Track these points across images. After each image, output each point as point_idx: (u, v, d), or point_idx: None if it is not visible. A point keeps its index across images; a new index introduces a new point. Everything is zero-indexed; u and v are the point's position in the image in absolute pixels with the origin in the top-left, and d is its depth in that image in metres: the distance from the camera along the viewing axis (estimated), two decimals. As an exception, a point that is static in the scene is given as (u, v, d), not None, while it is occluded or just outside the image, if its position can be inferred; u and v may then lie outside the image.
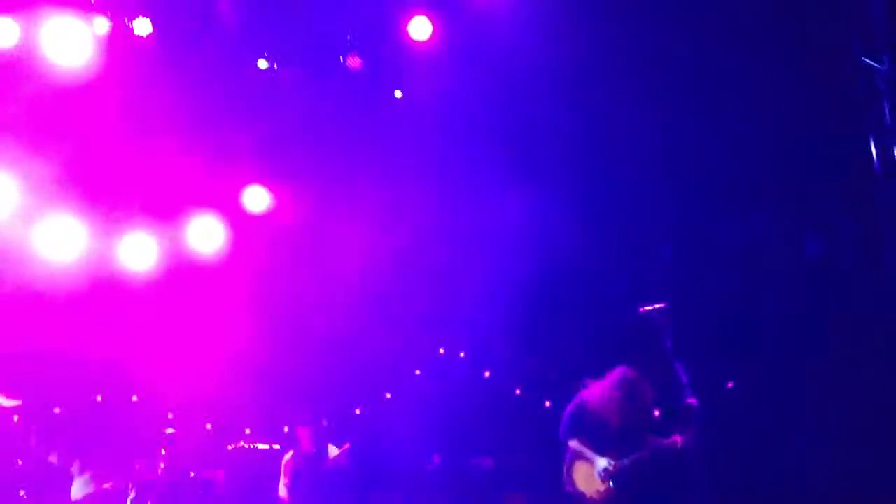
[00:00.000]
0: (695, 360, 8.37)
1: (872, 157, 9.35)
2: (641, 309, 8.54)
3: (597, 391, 8.48)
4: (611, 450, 8.30)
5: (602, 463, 8.26)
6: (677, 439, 8.20)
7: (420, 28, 11.43)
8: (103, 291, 11.66)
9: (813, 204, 10.52)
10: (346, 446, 10.70)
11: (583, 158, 11.47)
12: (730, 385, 8.33)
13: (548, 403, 12.06)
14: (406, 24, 11.47)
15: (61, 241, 11.39)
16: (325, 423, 11.81)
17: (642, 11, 10.64)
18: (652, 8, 10.57)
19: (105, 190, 11.60)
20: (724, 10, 10.22)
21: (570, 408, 8.55)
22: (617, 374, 8.41)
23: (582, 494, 8.27)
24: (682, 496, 10.00)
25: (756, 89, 10.25)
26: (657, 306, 8.43)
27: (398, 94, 11.98)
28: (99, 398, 12.16)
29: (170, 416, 12.04)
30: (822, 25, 9.82)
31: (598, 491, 8.19)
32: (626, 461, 8.21)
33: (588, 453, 8.33)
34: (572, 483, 8.35)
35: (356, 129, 11.98)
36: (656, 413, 8.54)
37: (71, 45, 10.89)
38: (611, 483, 8.20)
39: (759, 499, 10.01)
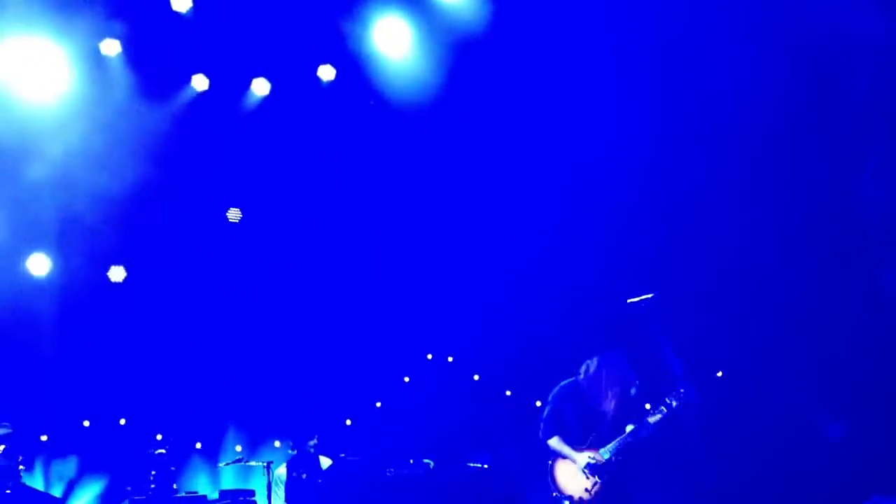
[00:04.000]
0: (684, 349, 8.34)
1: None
2: (629, 300, 8.50)
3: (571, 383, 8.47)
4: (592, 438, 8.21)
5: (583, 459, 8.18)
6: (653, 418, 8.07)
7: (392, 36, 11.52)
8: (87, 314, 11.61)
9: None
10: (340, 457, 10.70)
11: (563, 161, 11.54)
12: (719, 374, 8.25)
13: (538, 403, 12.11)
14: (378, 34, 11.55)
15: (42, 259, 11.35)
16: (315, 435, 11.86)
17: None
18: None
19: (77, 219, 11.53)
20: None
21: (546, 406, 8.50)
22: (592, 361, 8.43)
23: (570, 496, 8.15)
24: (672, 475, 10.11)
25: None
26: (645, 297, 8.41)
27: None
28: (86, 423, 12.07)
29: (159, 436, 11.98)
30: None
31: (585, 489, 8.07)
32: (608, 451, 8.13)
33: (567, 451, 8.25)
34: (557, 486, 8.24)
35: (330, 139, 11.98)
36: (634, 392, 8.36)
37: (40, 68, 10.86)
38: (597, 477, 8.12)
39: (747, 480, 10.14)
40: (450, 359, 12.33)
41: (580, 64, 11.10)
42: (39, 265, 11.46)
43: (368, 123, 11.95)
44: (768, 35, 10.11)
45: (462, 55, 11.36)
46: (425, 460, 11.29)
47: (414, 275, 12.05)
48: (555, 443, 8.33)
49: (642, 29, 10.85)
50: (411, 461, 11.23)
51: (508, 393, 12.27)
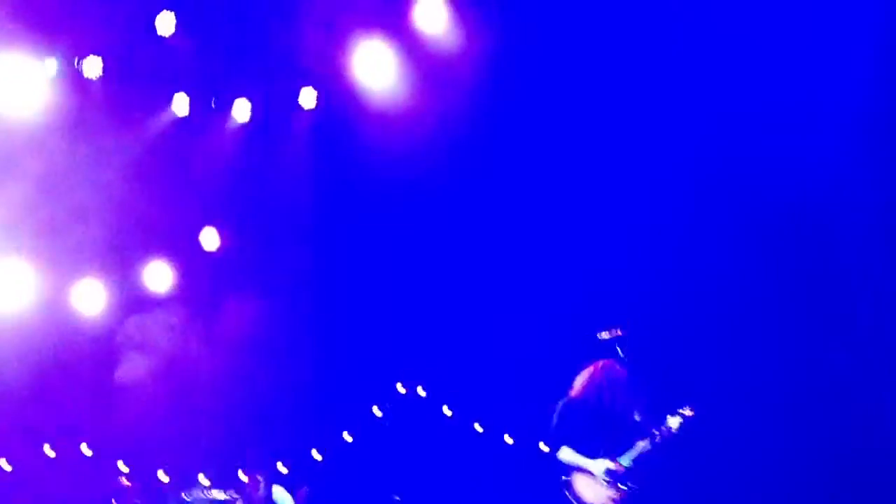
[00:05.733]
0: (652, 386, 8.22)
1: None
2: (599, 335, 8.36)
3: (574, 390, 8.34)
4: (605, 448, 8.03)
5: (602, 466, 7.96)
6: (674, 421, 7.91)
7: (373, 63, 11.48)
8: (53, 338, 11.43)
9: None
10: (304, 490, 10.50)
11: (545, 193, 11.48)
12: (689, 413, 8.05)
13: (510, 440, 11.92)
14: (360, 60, 11.51)
15: (11, 287, 11.18)
16: (283, 467, 11.66)
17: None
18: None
19: (57, 235, 11.38)
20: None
21: (553, 419, 8.29)
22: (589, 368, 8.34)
23: None
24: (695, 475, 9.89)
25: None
26: (615, 332, 8.25)
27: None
28: (49, 450, 11.85)
29: (123, 466, 11.77)
30: None
31: (609, 497, 7.86)
32: (627, 456, 7.93)
33: (581, 460, 8.02)
34: (581, 500, 7.95)
35: (311, 165, 11.90)
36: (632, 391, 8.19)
37: (20, 86, 10.79)
38: (619, 484, 7.91)
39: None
40: (421, 391, 12.16)
41: (563, 96, 11.07)
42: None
43: (350, 150, 11.88)
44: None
45: (445, 82, 11.33)
46: (395, 497, 11.13)
47: (389, 307, 11.88)
48: (567, 454, 8.13)
49: (627, 62, 10.85)
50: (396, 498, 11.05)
51: (479, 429, 12.08)
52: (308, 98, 11.83)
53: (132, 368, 11.68)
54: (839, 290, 10.50)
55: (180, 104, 11.69)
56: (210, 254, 12.13)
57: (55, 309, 11.49)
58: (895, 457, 9.93)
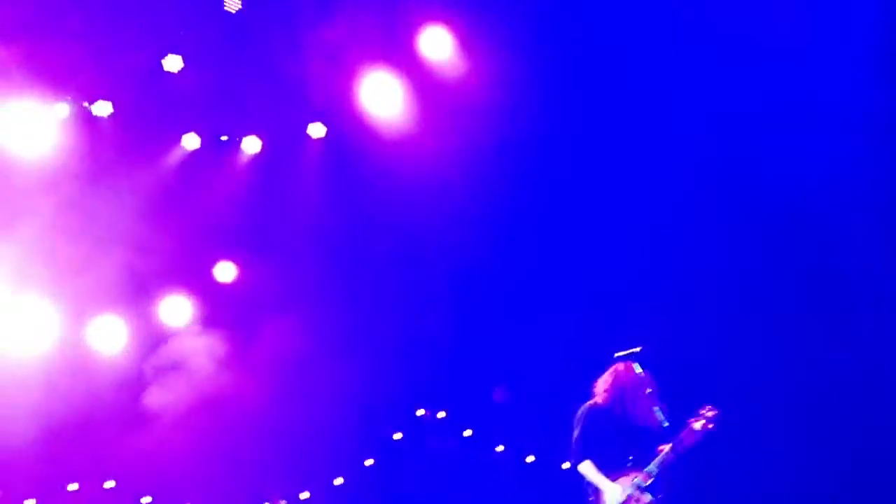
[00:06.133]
0: (673, 403, 8.27)
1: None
2: (616, 354, 8.42)
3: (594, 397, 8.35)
4: (632, 459, 7.99)
5: (628, 482, 7.90)
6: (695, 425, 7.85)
7: (380, 93, 11.62)
8: (74, 374, 11.51)
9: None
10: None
11: (550, 218, 11.64)
12: (710, 426, 8.10)
13: (531, 458, 12.01)
14: (367, 90, 11.65)
15: (31, 325, 11.29)
16: (306, 495, 11.73)
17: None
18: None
19: (73, 272, 11.50)
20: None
21: (574, 429, 8.27)
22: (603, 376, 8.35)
23: None
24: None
25: None
26: (633, 350, 8.32)
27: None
28: (74, 487, 11.91)
29: (146, 500, 11.83)
30: None
31: None
32: (654, 468, 7.85)
33: (600, 480, 7.94)
34: None
35: (322, 197, 12.02)
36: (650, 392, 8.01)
37: (33, 130, 10.96)
38: (649, 495, 7.87)
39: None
40: (441, 414, 12.23)
41: (568, 120, 11.24)
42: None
43: (360, 179, 12.01)
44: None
45: (451, 110, 11.49)
46: None
47: (402, 332, 11.98)
48: (587, 469, 8.09)
49: (631, 84, 11.03)
50: None
51: (500, 449, 12.17)
52: (317, 130, 11.96)
53: (152, 403, 11.74)
54: (839, 289, 10.67)
55: (191, 141, 11.84)
56: (226, 286, 12.20)
57: (74, 347, 11.59)
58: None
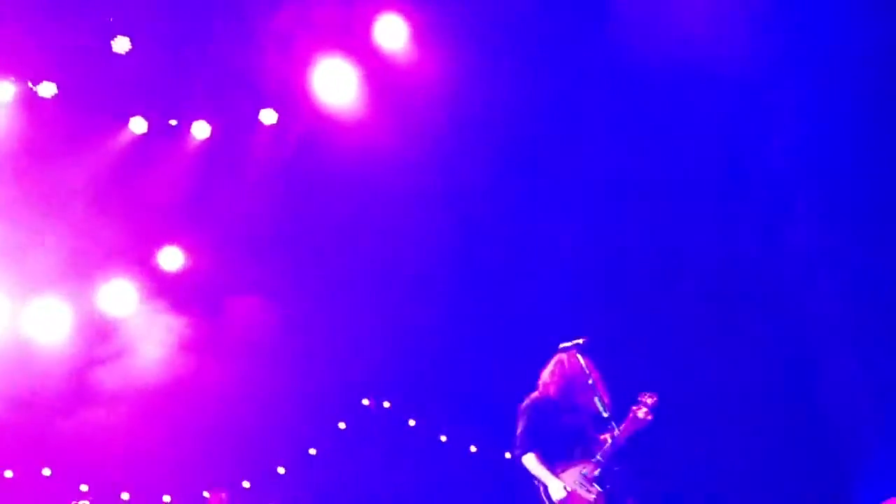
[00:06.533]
0: (616, 392, 8.30)
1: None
2: (560, 345, 8.42)
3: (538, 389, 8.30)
4: (579, 450, 7.96)
5: (574, 473, 7.87)
6: (638, 414, 7.78)
7: (333, 80, 11.58)
8: (12, 359, 11.35)
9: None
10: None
11: (503, 205, 11.68)
12: (650, 417, 8.11)
13: (473, 448, 12.04)
14: (320, 77, 11.60)
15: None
16: (247, 484, 11.66)
17: None
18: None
19: (15, 256, 11.33)
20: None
21: (518, 421, 8.22)
22: (548, 367, 8.28)
23: None
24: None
25: None
26: (577, 341, 8.31)
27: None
28: (9, 473, 11.74)
29: (84, 487, 11.68)
30: None
31: (588, 501, 7.72)
32: (599, 457, 7.82)
33: (543, 473, 7.89)
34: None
35: (272, 184, 11.94)
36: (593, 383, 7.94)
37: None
38: (598, 486, 7.79)
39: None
40: (386, 404, 12.22)
41: (523, 109, 11.28)
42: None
43: (311, 166, 11.96)
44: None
45: (405, 99, 11.49)
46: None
47: (352, 321, 11.94)
48: (531, 462, 8.05)
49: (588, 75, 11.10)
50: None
51: (444, 438, 12.18)
52: (268, 116, 11.88)
53: (92, 389, 11.59)
54: (778, 272, 10.84)
55: (138, 125, 11.70)
56: (171, 273, 12.08)
57: (15, 333, 11.42)
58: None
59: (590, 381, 8.03)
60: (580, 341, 8.21)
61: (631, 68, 10.95)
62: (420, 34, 11.51)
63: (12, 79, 11.13)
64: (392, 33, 11.52)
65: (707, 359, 10.80)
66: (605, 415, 7.94)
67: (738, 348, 10.79)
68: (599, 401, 7.96)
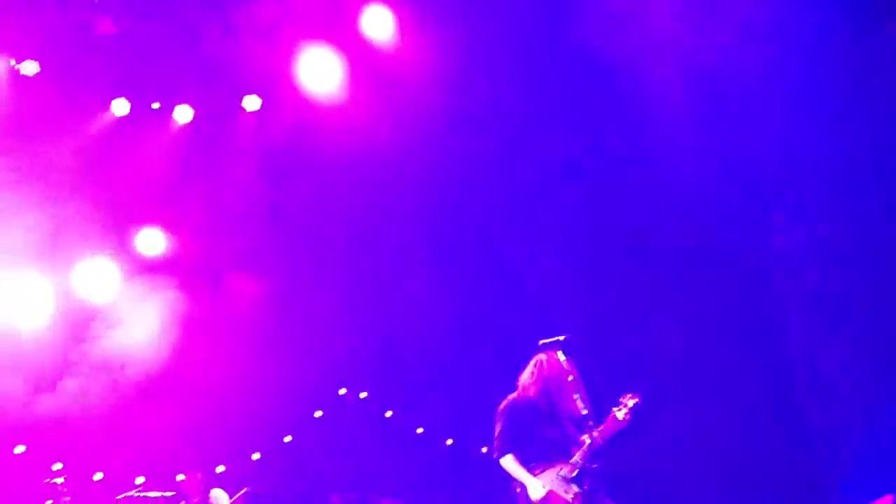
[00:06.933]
0: (595, 390, 8.40)
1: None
2: (541, 342, 8.49)
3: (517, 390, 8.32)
4: (557, 451, 7.99)
5: (553, 474, 7.89)
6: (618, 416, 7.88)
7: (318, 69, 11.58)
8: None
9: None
10: (244, 491, 10.55)
11: (488, 197, 11.75)
12: (629, 418, 8.21)
13: (449, 441, 12.13)
14: (305, 66, 11.60)
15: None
16: (221, 468, 11.68)
17: None
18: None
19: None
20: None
21: (496, 423, 8.22)
22: (527, 368, 8.33)
23: None
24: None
25: None
26: (557, 339, 8.39)
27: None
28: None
29: (57, 466, 11.66)
30: None
31: (566, 502, 7.77)
32: (577, 458, 7.86)
33: (522, 474, 7.90)
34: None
35: (254, 170, 11.94)
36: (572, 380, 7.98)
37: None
38: (576, 486, 7.82)
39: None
40: (363, 394, 12.28)
41: (510, 100, 11.33)
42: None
43: (293, 154, 11.97)
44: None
45: (391, 89, 11.51)
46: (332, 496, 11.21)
47: (331, 310, 11.98)
48: (509, 463, 8.05)
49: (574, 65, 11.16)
50: (318, 497, 11.13)
51: (420, 431, 12.26)
52: (252, 103, 11.87)
53: (74, 369, 11.57)
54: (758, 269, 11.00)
55: (120, 107, 11.65)
56: (149, 255, 12.06)
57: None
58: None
59: (570, 378, 8.07)
60: (561, 338, 8.25)
61: (618, 58, 11.00)
62: (407, 24, 11.54)
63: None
64: (379, 23, 11.54)
65: (690, 357, 10.95)
66: (585, 412, 7.98)
67: (721, 347, 10.94)
68: (580, 399, 7.99)
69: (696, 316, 11.05)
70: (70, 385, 11.53)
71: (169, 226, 12.06)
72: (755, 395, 10.97)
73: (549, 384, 8.20)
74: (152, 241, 12.06)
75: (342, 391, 12.19)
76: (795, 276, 10.88)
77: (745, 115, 10.91)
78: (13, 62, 11.19)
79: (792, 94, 10.62)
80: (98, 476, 11.80)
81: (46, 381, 11.50)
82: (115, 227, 11.85)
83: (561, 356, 8.20)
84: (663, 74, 10.96)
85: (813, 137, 10.58)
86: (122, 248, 11.93)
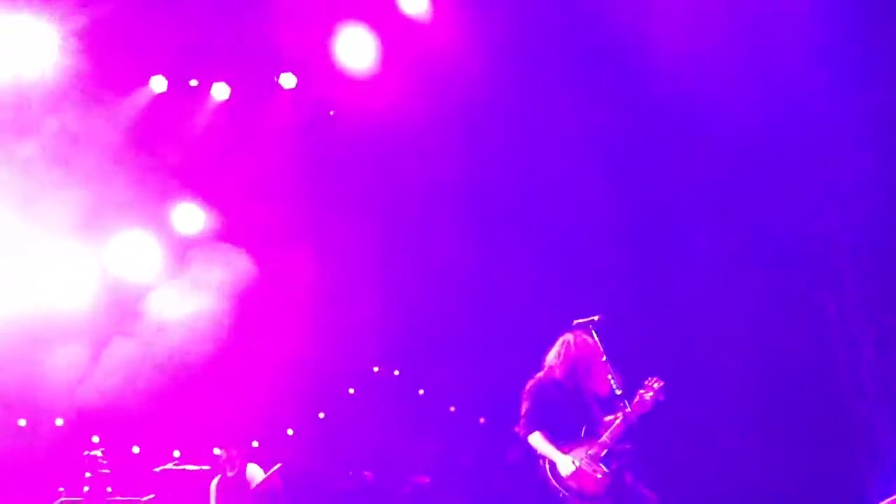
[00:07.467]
0: (629, 371, 8.36)
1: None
2: (574, 321, 8.46)
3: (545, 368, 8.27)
4: (585, 430, 7.93)
5: (581, 453, 7.83)
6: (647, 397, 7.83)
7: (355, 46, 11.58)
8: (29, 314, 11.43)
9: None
10: (278, 466, 10.64)
11: (519, 178, 11.70)
12: (661, 398, 8.19)
13: (482, 420, 12.16)
14: (340, 44, 11.60)
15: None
16: (256, 443, 11.79)
17: None
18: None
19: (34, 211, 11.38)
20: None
21: (524, 402, 8.18)
22: (555, 347, 8.29)
23: (580, 492, 7.74)
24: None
25: None
26: (592, 318, 8.36)
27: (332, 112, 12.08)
28: (22, 422, 11.88)
29: (95, 438, 11.82)
30: None
31: (594, 482, 7.72)
32: (606, 438, 7.81)
33: (550, 451, 7.86)
34: (564, 484, 7.76)
35: (290, 147, 11.97)
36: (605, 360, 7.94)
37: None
38: (604, 467, 7.78)
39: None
40: (396, 372, 12.32)
41: (547, 81, 11.25)
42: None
43: (331, 133, 11.99)
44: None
45: (429, 67, 11.47)
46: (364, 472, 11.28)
47: (366, 288, 12.02)
48: (538, 440, 8.03)
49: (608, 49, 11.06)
50: (350, 473, 11.20)
51: (453, 409, 12.29)
52: (288, 80, 11.90)
53: (113, 349, 11.71)
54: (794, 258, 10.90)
55: (159, 83, 11.73)
56: (187, 232, 12.16)
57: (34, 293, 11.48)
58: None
59: (601, 360, 8.04)
60: (595, 318, 8.23)
61: (662, 34, 10.87)
62: (442, 2, 11.50)
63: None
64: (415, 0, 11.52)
65: (719, 345, 10.87)
66: (619, 392, 7.95)
67: (749, 336, 10.86)
68: (612, 378, 7.98)
69: (729, 303, 10.95)
70: (109, 360, 11.67)
71: (207, 201, 12.13)
72: (786, 385, 10.86)
73: (576, 364, 8.19)
74: (191, 216, 12.15)
75: (375, 369, 12.25)
76: (829, 265, 10.75)
77: (789, 97, 10.77)
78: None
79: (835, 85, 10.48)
80: (136, 449, 11.99)
81: (86, 356, 11.64)
82: (155, 204, 11.94)
83: (591, 336, 8.15)
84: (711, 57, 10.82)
85: (852, 128, 10.43)
86: (162, 224, 12.03)
